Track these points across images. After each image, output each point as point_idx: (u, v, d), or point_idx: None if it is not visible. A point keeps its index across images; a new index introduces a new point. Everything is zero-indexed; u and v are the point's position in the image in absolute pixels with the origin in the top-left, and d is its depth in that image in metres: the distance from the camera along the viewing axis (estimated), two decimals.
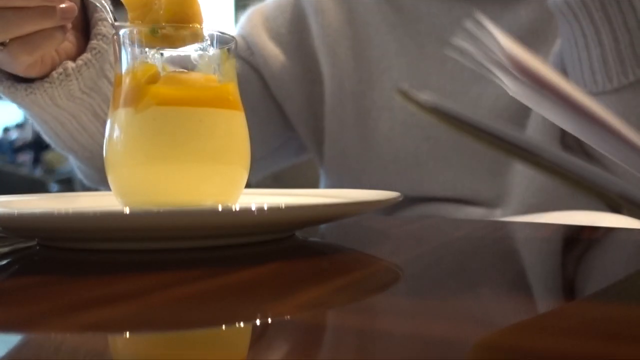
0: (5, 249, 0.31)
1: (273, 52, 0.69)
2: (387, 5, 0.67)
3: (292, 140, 0.74)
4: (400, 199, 0.33)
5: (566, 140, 0.58)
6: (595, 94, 0.53)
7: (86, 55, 0.48)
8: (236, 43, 0.36)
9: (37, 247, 0.30)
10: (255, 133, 0.64)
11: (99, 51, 0.49)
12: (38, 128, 0.55)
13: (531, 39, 0.60)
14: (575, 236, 0.38)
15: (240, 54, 0.69)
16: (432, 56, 0.65)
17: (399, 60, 0.66)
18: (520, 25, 0.61)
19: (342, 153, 0.68)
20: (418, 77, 0.65)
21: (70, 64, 0.48)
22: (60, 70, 0.47)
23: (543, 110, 0.20)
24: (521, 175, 0.60)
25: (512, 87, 0.19)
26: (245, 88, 0.63)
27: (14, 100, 0.48)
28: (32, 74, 0.46)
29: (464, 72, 0.63)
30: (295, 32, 0.70)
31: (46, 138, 0.57)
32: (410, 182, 0.64)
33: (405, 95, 0.17)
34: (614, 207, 0.52)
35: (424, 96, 0.17)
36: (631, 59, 0.51)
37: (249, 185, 0.37)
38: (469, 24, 0.19)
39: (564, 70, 0.56)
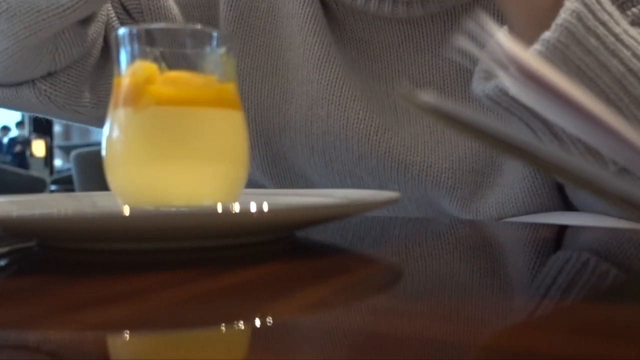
0: (4, 250, 0.31)
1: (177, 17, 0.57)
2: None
3: None
4: (400, 199, 0.33)
5: None
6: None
7: None
8: (237, 43, 0.36)
9: (36, 248, 0.30)
10: None
11: None
12: None
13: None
14: (575, 236, 0.38)
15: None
16: (363, 83, 0.54)
17: (322, 75, 0.53)
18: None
19: (262, 172, 0.59)
20: (341, 102, 0.53)
21: None
22: None
23: (543, 110, 0.20)
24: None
25: (512, 87, 0.19)
26: None
27: None
28: None
29: (396, 107, 0.55)
30: (202, 7, 0.58)
31: None
32: None
33: (406, 95, 0.17)
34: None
35: (425, 96, 0.17)
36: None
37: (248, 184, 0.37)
38: (470, 24, 0.19)
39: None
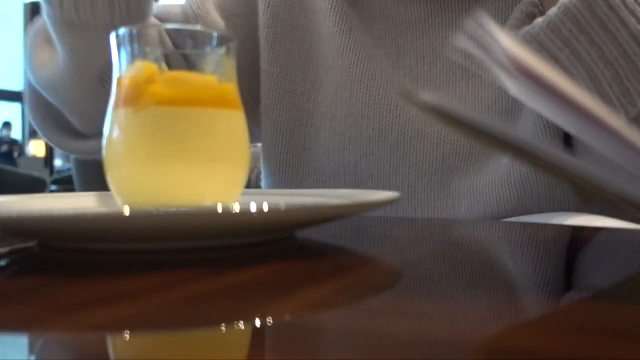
0: (4, 250, 0.31)
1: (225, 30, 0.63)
2: None
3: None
4: (401, 199, 0.33)
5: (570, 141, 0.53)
6: None
7: None
8: (236, 43, 0.36)
9: (36, 248, 0.30)
10: None
11: None
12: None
13: None
14: (575, 236, 0.38)
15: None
16: (382, 59, 0.59)
17: (344, 60, 0.59)
18: None
19: (279, 161, 0.62)
20: (363, 82, 0.58)
21: None
22: None
23: (543, 110, 0.20)
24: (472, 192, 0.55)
25: (512, 87, 0.19)
26: None
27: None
28: None
29: (417, 81, 0.57)
30: (246, 14, 0.64)
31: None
32: None
33: (406, 95, 0.17)
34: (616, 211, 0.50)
35: (425, 96, 0.17)
36: (618, 95, 0.42)
37: (248, 184, 0.37)
38: (470, 24, 0.19)
39: None
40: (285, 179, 0.62)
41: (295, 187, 0.61)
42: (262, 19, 0.63)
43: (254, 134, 0.65)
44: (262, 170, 0.66)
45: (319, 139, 0.60)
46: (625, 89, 0.42)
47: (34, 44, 0.56)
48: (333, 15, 0.59)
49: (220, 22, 0.63)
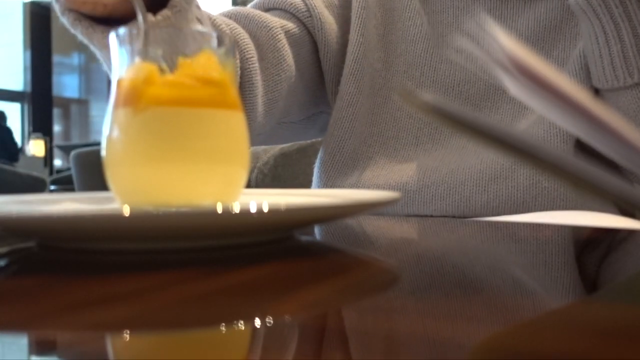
0: (4, 250, 0.31)
1: (329, 19, 0.73)
2: None
3: (323, 114, 0.78)
4: (400, 199, 0.33)
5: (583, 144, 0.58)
6: (617, 89, 0.55)
7: (166, 12, 0.48)
8: (236, 44, 0.36)
9: (36, 248, 0.30)
10: (298, 96, 0.73)
11: (180, 10, 0.49)
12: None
13: (550, 35, 0.62)
14: (576, 237, 0.38)
15: (297, 15, 0.72)
16: (449, 45, 0.69)
17: (416, 47, 0.71)
18: (540, 22, 0.63)
19: (353, 117, 0.72)
20: (431, 64, 0.70)
21: (150, 17, 0.47)
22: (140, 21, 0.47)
23: (544, 110, 0.20)
24: None
25: (512, 87, 0.19)
26: (297, 51, 0.70)
27: (91, 40, 0.50)
28: (96, 13, 0.49)
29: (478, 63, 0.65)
30: (345, 6, 0.75)
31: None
32: (407, 160, 0.67)
33: (407, 95, 0.17)
34: (626, 211, 0.53)
35: (425, 96, 0.17)
36: None
37: (248, 184, 0.37)
38: (470, 24, 0.19)
39: (587, 68, 0.58)
40: (351, 136, 0.71)
41: (359, 146, 0.70)
42: (356, 4, 0.73)
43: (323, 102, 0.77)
44: (322, 146, 0.74)
45: (386, 107, 0.71)
46: None
47: None
48: (408, 13, 0.72)
49: (330, 18, 0.73)
